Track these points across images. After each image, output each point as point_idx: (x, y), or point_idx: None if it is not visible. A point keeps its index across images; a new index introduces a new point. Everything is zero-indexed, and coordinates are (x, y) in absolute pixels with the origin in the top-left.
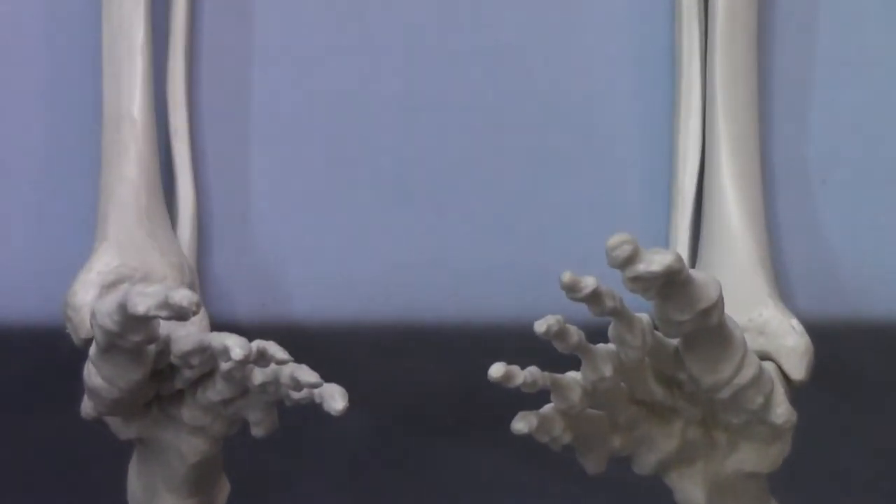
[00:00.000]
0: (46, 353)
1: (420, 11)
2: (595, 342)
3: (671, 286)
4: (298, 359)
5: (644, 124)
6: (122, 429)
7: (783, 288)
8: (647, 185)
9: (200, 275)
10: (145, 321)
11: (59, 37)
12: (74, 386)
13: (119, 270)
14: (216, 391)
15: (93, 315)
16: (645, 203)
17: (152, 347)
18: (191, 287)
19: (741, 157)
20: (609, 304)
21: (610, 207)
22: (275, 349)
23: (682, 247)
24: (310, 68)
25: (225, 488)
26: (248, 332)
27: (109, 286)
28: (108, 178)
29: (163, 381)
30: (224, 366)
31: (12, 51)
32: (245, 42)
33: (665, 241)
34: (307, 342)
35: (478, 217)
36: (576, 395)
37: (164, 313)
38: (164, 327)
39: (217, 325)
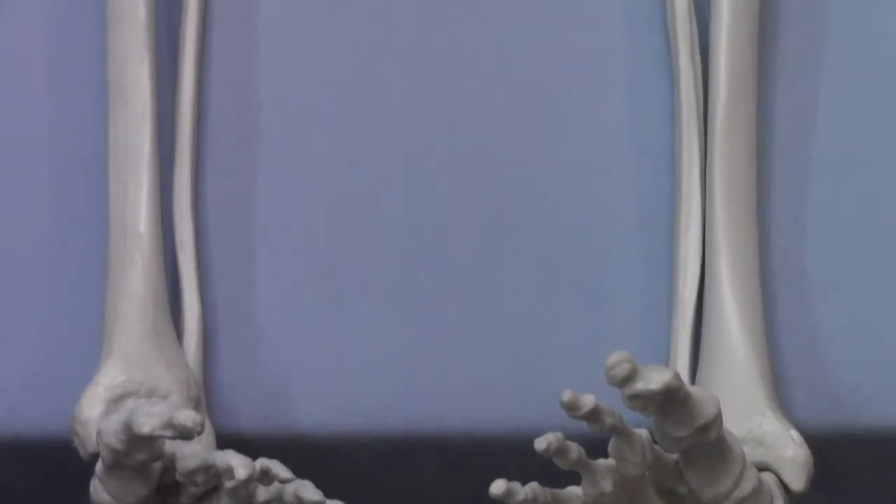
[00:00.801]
0: (54, 466)
1: (425, 121)
2: (596, 454)
3: (670, 403)
4: (303, 471)
5: (644, 233)
6: None
7: (782, 397)
8: (648, 294)
9: (206, 387)
10: (150, 440)
11: (66, 148)
12: (82, 500)
13: (125, 385)
14: None
15: (99, 433)
16: (646, 312)
17: (158, 464)
18: (196, 401)
19: (741, 268)
20: (608, 421)
21: (611, 316)
22: (278, 468)
23: (683, 357)
24: (312, 181)
25: None
26: (253, 444)
27: (116, 401)
28: (114, 293)
29: (168, 496)
30: (228, 484)
31: (19, 162)
32: (249, 157)
33: (665, 352)
34: (312, 454)
35: (481, 328)
36: None
37: (168, 433)
38: (170, 445)
39: (222, 437)
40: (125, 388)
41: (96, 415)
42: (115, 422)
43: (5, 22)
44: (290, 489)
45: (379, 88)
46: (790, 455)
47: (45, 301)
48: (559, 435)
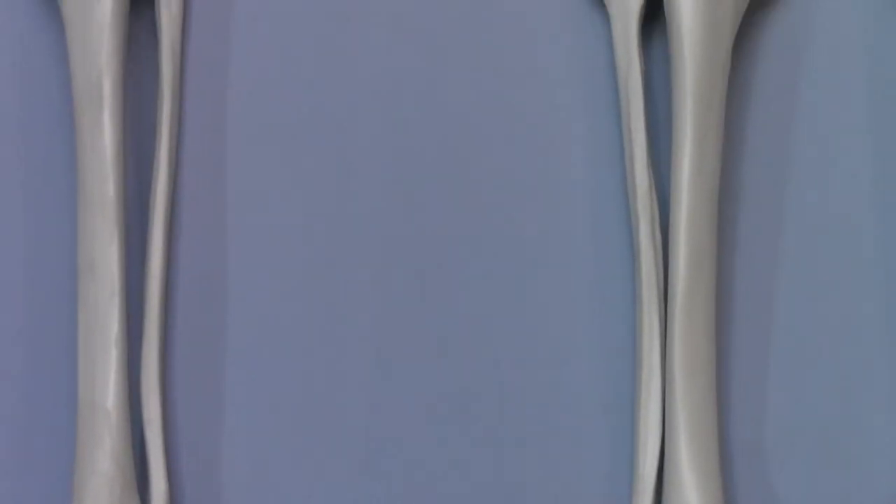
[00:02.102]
0: None
1: (390, 266)
2: None
3: None
4: None
5: (605, 410)
6: None
7: None
8: (609, 471)
9: None
10: None
11: (35, 325)
12: None
13: None
14: None
15: None
16: (607, 488)
17: None
18: None
19: (699, 444)
20: None
21: (572, 491)
22: None
23: None
24: (278, 356)
25: None
26: None
27: None
28: (81, 471)
29: None
30: None
31: None
32: (217, 333)
33: None
34: None
35: (446, 496)
36: None
37: None
38: None
39: None
40: None
41: None
42: None
43: None
44: None
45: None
46: None
47: (13, 479)
48: None
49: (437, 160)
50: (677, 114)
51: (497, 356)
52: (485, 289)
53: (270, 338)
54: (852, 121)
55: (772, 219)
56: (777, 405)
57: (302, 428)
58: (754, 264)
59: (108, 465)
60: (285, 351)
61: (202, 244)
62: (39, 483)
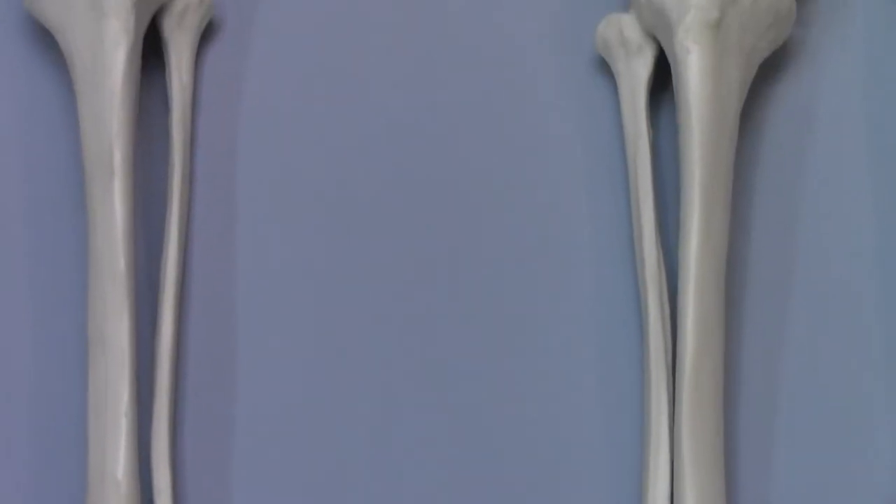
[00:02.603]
0: None
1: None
2: None
3: None
4: None
5: (613, 486)
6: None
7: None
8: None
9: None
10: None
11: (45, 396)
12: None
13: None
14: None
15: None
16: None
17: None
18: None
19: None
20: None
21: None
22: None
23: None
24: (288, 432)
25: None
26: None
27: None
28: None
29: None
30: None
31: None
32: (227, 404)
33: None
34: None
35: None
36: None
37: None
38: None
39: None
40: None
41: None
42: None
43: None
44: None
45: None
46: None
47: None
48: None
49: (444, 229)
50: (685, 183)
51: (502, 428)
52: (490, 356)
53: (280, 410)
54: (858, 191)
55: (780, 288)
56: (785, 476)
57: (312, 498)
58: (762, 334)
59: None
60: (295, 424)
61: (212, 316)
62: None
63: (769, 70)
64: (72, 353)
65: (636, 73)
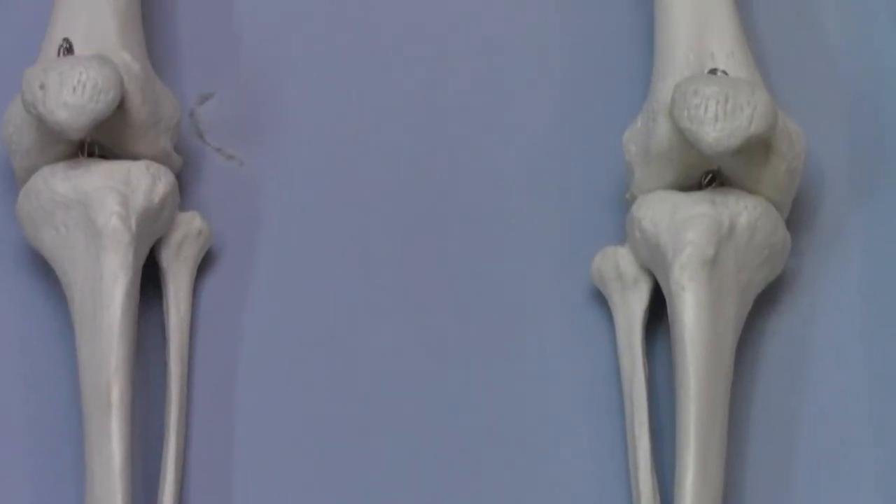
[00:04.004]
0: None
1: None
2: None
3: None
4: None
5: None
6: None
7: None
8: None
9: None
10: None
11: None
12: None
13: None
14: None
15: None
16: None
17: None
18: None
19: None
20: None
21: None
22: None
23: None
24: None
25: None
26: None
27: None
28: None
29: None
30: None
31: None
32: None
33: None
34: None
35: None
36: None
37: None
38: None
39: None
40: None
41: None
42: None
43: None
44: None
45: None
46: None
47: None
48: None
49: (434, 438)
50: (680, 419)
51: None
52: None
53: None
54: (858, 423)
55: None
56: None
57: None
58: None
59: None
60: None
61: None
62: None
63: (765, 302)
64: None
65: (632, 307)
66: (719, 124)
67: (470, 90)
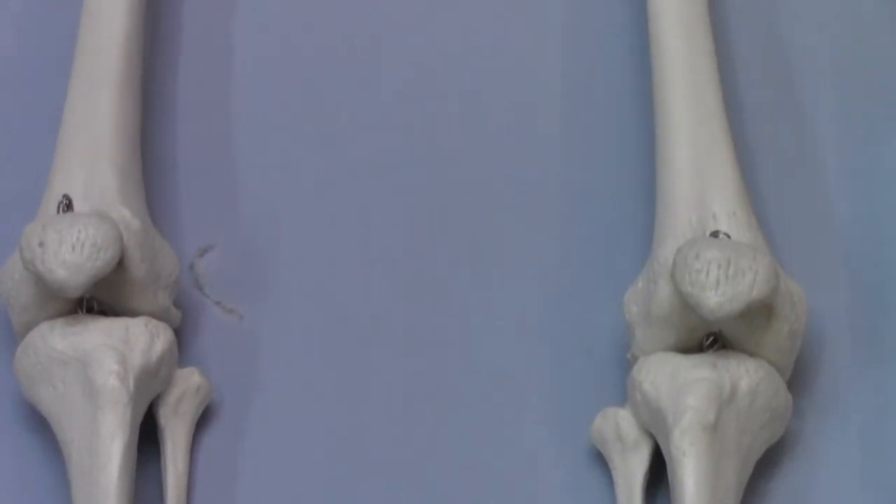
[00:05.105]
0: None
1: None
2: None
3: None
4: None
5: None
6: None
7: None
8: None
9: None
10: None
11: None
12: None
13: None
14: None
15: None
16: None
17: None
18: None
19: None
20: None
21: None
22: None
23: None
24: None
25: None
26: None
27: None
28: None
29: None
30: None
31: None
32: None
33: None
34: None
35: None
36: None
37: None
38: None
39: None
40: None
41: None
42: None
43: None
44: None
45: None
46: None
47: None
48: None
49: None
50: None
51: None
52: None
53: None
54: None
55: None
56: None
57: None
58: None
59: None
60: None
61: None
62: None
63: (765, 464)
64: None
65: (632, 469)
66: (721, 289)
67: (469, 252)
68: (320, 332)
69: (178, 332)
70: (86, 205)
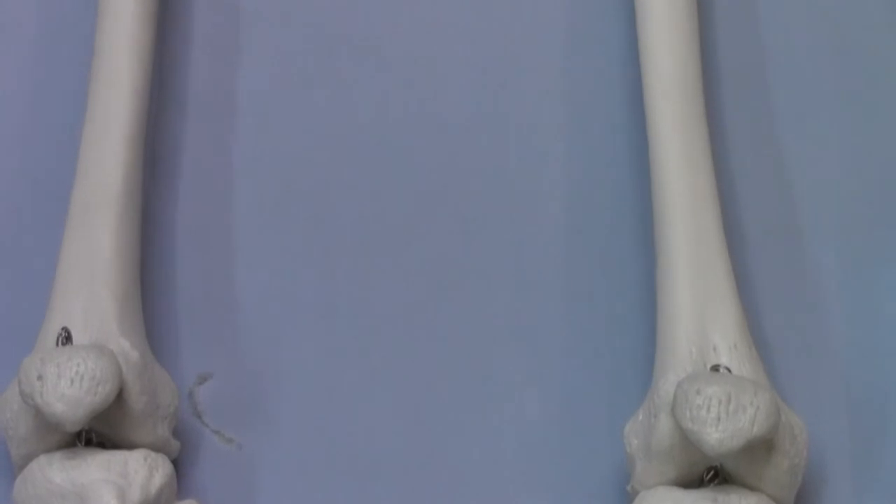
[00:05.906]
0: None
1: None
2: None
3: None
4: None
5: None
6: None
7: None
8: None
9: None
10: None
11: None
12: None
13: None
14: None
15: None
16: None
17: None
18: None
19: None
20: None
21: None
22: None
23: None
24: None
25: None
26: None
27: None
28: None
29: None
30: None
31: None
32: None
33: None
34: None
35: None
36: None
37: None
38: None
39: None
40: None
41: None
42: None
43: None
44: None
45: None
46: None
47: None
48: None
49: None
50: None
51: None
52: None
53: None
54: None
55: None
56: None
57: None
58: None
59: None
60: None
61: None
62: None
63: None
64: None
65: None
66: (722, 425)
67: (469, 384)
68: (320, 462)
69: (177, 462)
70: (85, 334)
